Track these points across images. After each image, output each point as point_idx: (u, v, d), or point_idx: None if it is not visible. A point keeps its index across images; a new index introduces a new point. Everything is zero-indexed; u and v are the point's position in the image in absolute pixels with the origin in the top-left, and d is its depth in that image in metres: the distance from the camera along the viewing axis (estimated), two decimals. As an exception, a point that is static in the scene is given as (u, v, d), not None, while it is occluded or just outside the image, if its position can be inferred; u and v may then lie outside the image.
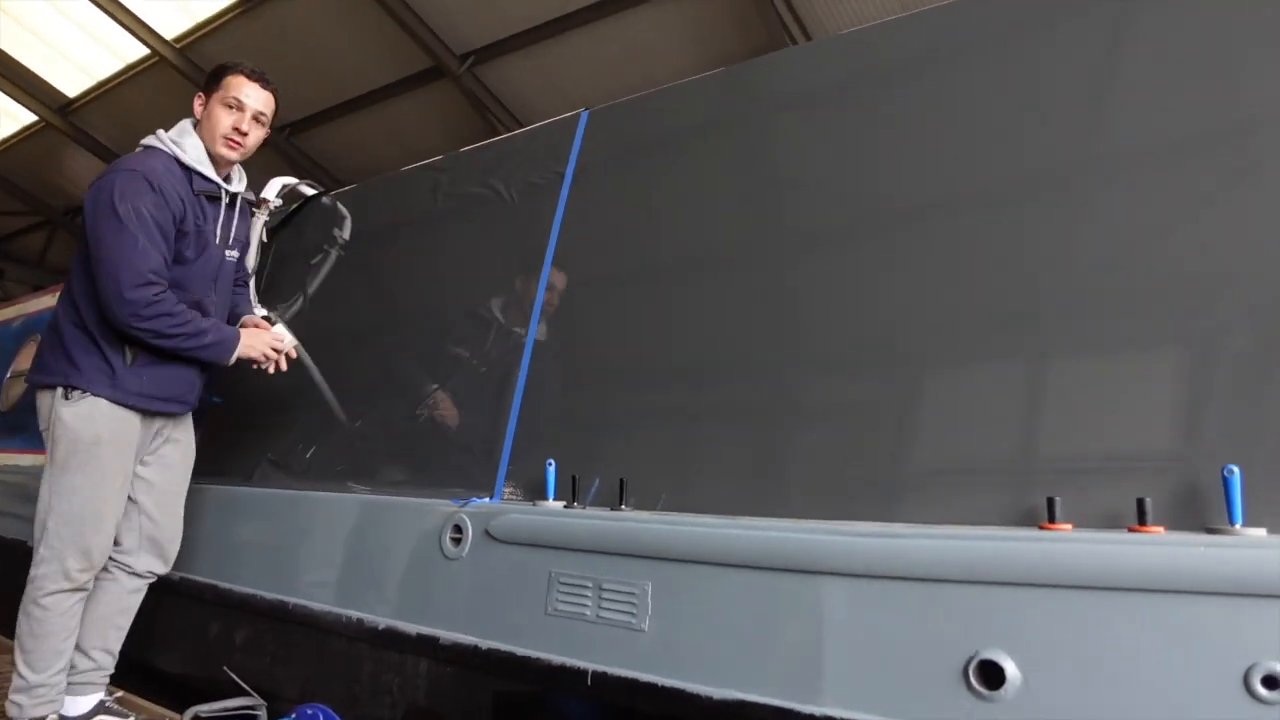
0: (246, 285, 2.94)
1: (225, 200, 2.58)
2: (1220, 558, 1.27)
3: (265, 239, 3.34)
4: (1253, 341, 1.48)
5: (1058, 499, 1.47)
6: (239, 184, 2.65)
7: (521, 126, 3.15)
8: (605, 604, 1.86)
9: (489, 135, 3.30)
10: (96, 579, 2.49)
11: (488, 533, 2.12)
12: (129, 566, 2.55)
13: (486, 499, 2.26)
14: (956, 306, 1.78)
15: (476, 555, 2.14)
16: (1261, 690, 1.20)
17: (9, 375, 4.83)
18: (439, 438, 2.54)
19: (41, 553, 2.39)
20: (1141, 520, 1.40)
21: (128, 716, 2.56)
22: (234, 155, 2.56)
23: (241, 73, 2.54)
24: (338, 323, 3.08)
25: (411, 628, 2.21)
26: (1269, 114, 1.55)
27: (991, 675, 1.39)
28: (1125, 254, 1.63)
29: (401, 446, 2.62)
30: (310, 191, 3.50)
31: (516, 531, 2.08)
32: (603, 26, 9.05)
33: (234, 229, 2.65)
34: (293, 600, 2.54)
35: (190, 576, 2.83)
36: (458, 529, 2.20)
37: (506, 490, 2.27)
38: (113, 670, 2.58)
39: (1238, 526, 1.33)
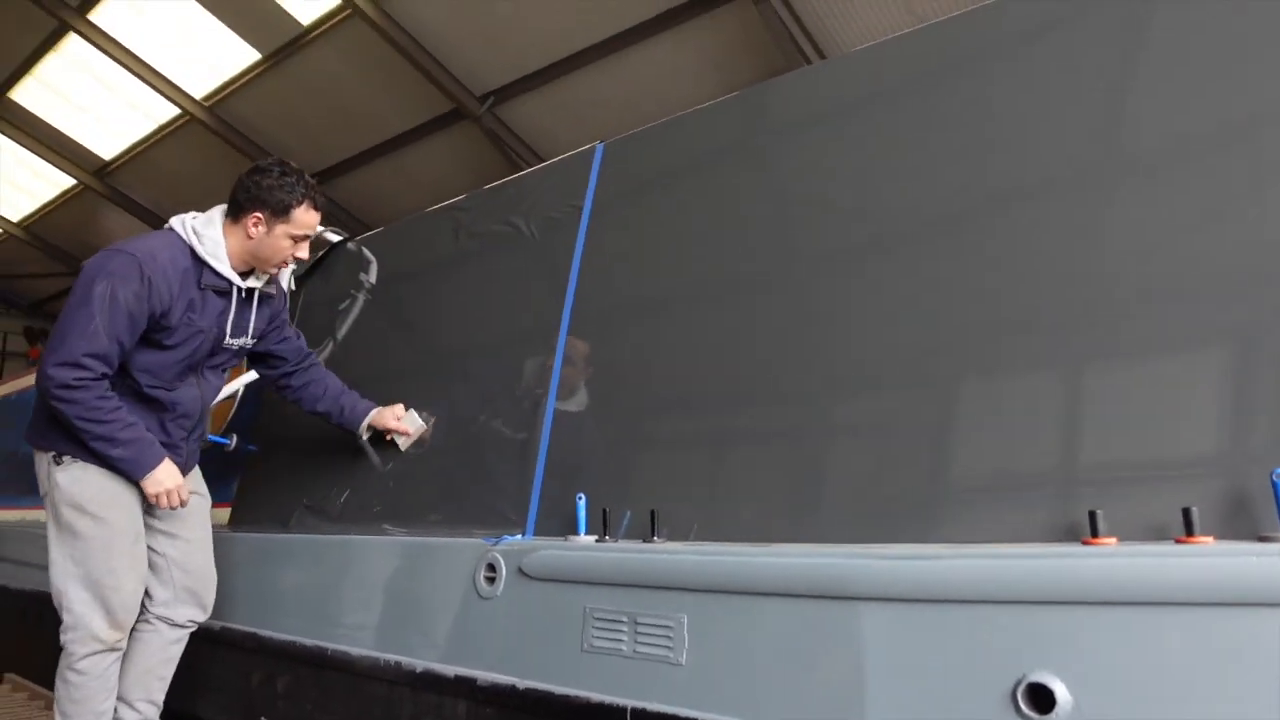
0: (314, 363, 2.89)
1: (241, 295, 2.54)
2: (1274, 566, 1.22)
3: (294, 287, 3.39)
4: (1295, 340, 1.43)
5: (1100, 512, 1.42)
6: (260, 279, 2.58)
7: (543, 162, 3.17)
8: (641, 638, 1.83)
9: (511, 173, 3.33)
10: (137, 631, 2.51)
11: (521, 570, 2.11)
12: (169, 618, 2.58)
13: (519, 536, 2.24)
14: (989, 318, 1.75)
15: (511, 593, 2.13)
16: (1328, 705, 1.14)
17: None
18: (470, 476, 2.54)
19: (66, 620, 2.41)
20: (1189, 531, 1.34)
21: None
22: (278, 271, 2.57)
23: (312, 206, 2.49)
24: (367, 366, 3.11)
25: (449, 669, 2.19)
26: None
27: (1041, 698, 1.34)
28: (1161, 256, 1.59)
29: (433, 486, 2.63)
30: (336, 238, 3.55)
31: (549, 568, 2.06)
32: (619, 59, 9.16)
33: (250, 320, 2.60)
34: (331, 646, 2.54)
35: (230, 625, 2.84)
36: (491, 567, 2.18)
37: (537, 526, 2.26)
38: None
39: (1292, 533, 1.28)
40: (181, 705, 2.58)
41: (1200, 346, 1.52)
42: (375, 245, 3.41)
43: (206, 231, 2.44)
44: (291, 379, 2.83)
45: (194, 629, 2.64)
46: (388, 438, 2.78)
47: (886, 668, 1.51)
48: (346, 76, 10.58)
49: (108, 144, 13.38)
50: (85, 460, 2.39)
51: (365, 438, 2.79)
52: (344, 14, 9.60)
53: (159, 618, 2.57)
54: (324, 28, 9.98)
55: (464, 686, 2.14)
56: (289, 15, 9.94)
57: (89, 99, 12.46)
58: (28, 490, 4.93)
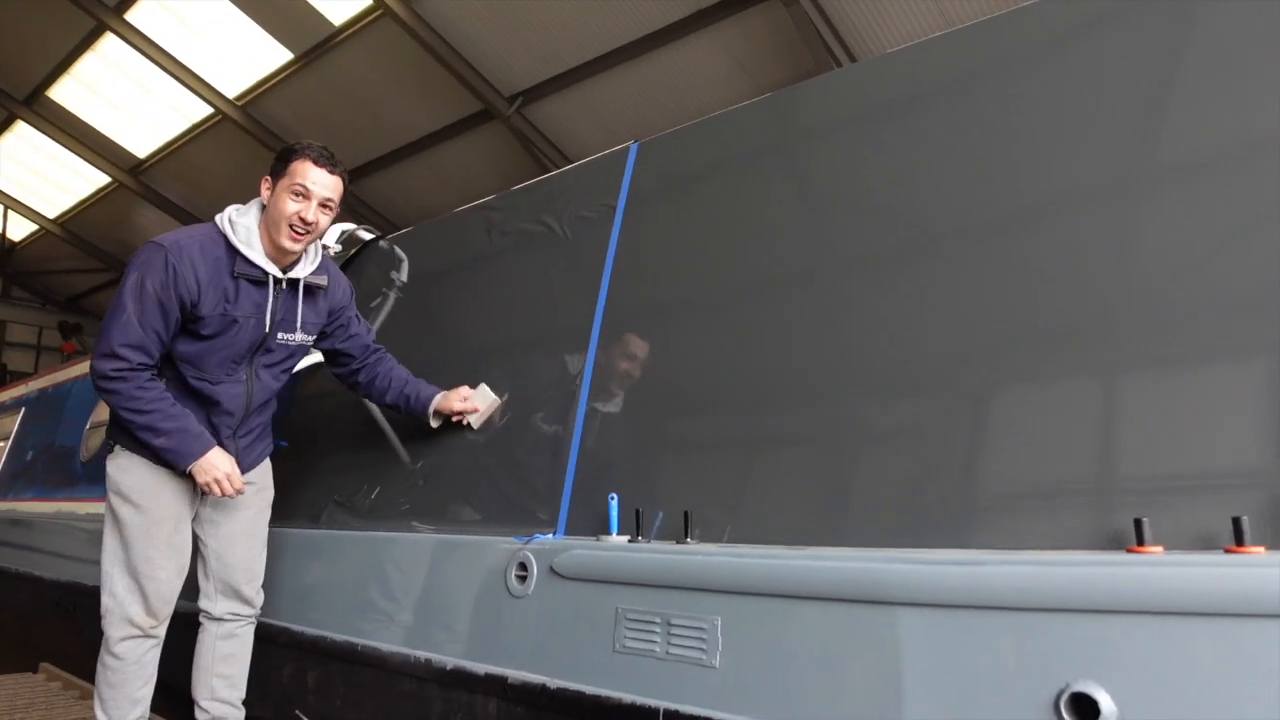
0: (380, 356, 2.81)
1: (280, 284, 2.50)
2: (1330, 578, 1.19)
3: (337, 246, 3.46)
4: (1349, 346, 1.40)
5: (1146, 520, 1.40)
6: (306, 268, 2.55)
7: (570, 163, 3.18)
8: (674, 640, 1.83)
9: (539, 173, 3.35)
10: (198, 630, 2.54)
11: (553, 569, 2.11)
12: (208, 611, 2.61)
13: (550, 535, 2.25)
14: (1031, 321, 1.72)
15: (542, 592, 2.13)
16: (1386, 721, 1.11)
17: (89, 426, 5.00)
18: (501, 475, 2.54)
19: (105, 603, 2.49)
20: (1239, 540, 1.31)
21: None
22: (296, 246, 2.46)
23: (309, 157, 2.43)
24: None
25: (480, 667, 2.20)
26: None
27: (1085, 709, 1.31)
28: (1212, 261, 1.55)
29: (464, 484, 2.63)
30: (368, 236, 3.58)
31: (582, 567, 2.06)
32: (646, 61, 9.17)
33: (298, 314, 2.56)
34: (361, 642, 2.56)
35: (264, 620, 2.87)
36: (523, 566, 2.19)
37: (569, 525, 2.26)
38: (236, 719, 2.60)
39: (1346, 544, 1.25)
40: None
41: (1251, 353, 1.49)
42: (407, 243, 3.43)
43: (241, 220, 2.46)
44: (359, 375, 2.79)
45: (242, 624, 2.64)
46: (458, 420, 2.68)
47: (924, 675, 1.49)
48: (376, 76, 10.68)
49: (142, 142, 13.62)
50: (133, 450, 2.47)
51: (435, 425, 2.70)
52: (375, 14, 9.70)
53: (201, 611, 2.60)
54: (355, 28, 10.09)
55: (494, 685, 2.15)
56: (321, 15, 10.05)
57: (125, 97, 12.68)
58: (63, 483, 5.03)
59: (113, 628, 2.46)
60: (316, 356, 2.95)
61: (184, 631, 2.72)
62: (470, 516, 2.54)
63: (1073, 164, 1.77)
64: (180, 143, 13.20)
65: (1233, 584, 1.26)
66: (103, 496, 4.40)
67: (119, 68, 11.95)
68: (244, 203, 2.53)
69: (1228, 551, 1.32)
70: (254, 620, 2.69)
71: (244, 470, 2.61)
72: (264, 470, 2.77)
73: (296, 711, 2.68)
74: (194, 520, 2.60)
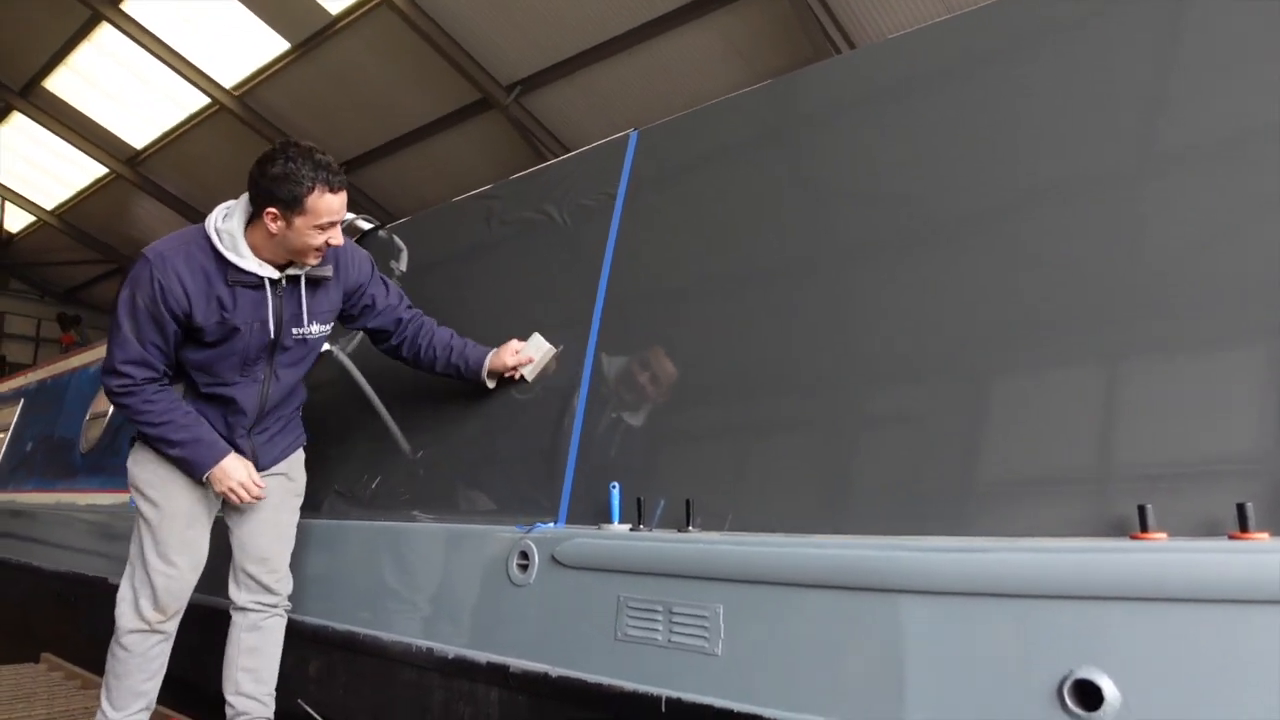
0: (419, 326, 2.69)
1: (279, 284, 2.40)
2: (1335, 564, 1.19)
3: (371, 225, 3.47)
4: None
5: (1149, 506, 1.39)
6: (301, 267, 2.42)
7: (568, 152, 3.16)
8: (676, 628, 1.83)
9: (537, 163, 3.33)
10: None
11: (554, 558, 2.11)
12: (234, 602, 2.60)
13: (552, 524, 2.24)
14: (1033, 307, 1.71)
15: (544, 581, 2.13)
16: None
17: (88, 417, 5.00)
18: (502, 463, 2.54)
19: (121, 591, 2.49)
20: (1243, 527, 1.31)
21: None
22: (317, 261, 2.40)
23: (325, 189, 2.26)
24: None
25: (482, 656, 2.20)
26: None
27: (1089, 695, 1.31)
28: (1216, 246, 1.54)
29: (465, 473, 2.63)
30: (366, 226, 3.56)
31: (583, 556, 2.06)
32: (645, 49, 9.13)
33: (307, 307, 2.47)
34: (363, 631, 2.56)
35: (264, 610, 2.87)
36: (524, 555, 2.18)
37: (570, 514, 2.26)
38: (262, 715, 2.56)
39: (1351, 530, 1.25)
40: (217, 689, 2.60)
41: (1255, 339, 1.48)
42: (406, 233, 3.41)
43: (225, 226, 2.34)
44: (402, 350, 2.70)
45: (267, 615, 2.60)
46: (512, 376, 2.58)
47: (927, 662, 1.49)
48: (374, 66, 10.64)
49: (139, 132, 13.57)
50: (149, 445, 2.48)
51: (491, 386, 2.60)
52: (373, 3, 9.65)
53: (229, 601, 2.60)
54: (352, 17, 10.03)
55: (496, 674, 2.15)
56: (318, 4, 10.00)
57: (121, 88, 12.63)
58: (63, 474, 5.03)
59: (122, 618, 2.46)
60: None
61: (201, 626, 2.72)
62: (471, 505, 2.54)
63: (1074, 150, 1.76)
64: (177, 133, 13.15)
65: (1237, 571, 1.25)
66: (101, 488, 4.43)
67: (115, 58, 11.89)
68: (238, 196, 2.43)
69: (1232, 538, 1.32)
70: (282, 612, 2.64)
71: (266, 466, 2.59)
72: (292, 462, 2.73)
73: (299, 701, 2.68)
74: (221, 509, 2.59)
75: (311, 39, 10.51)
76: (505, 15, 9.30)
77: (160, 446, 2.41)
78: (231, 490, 2.44)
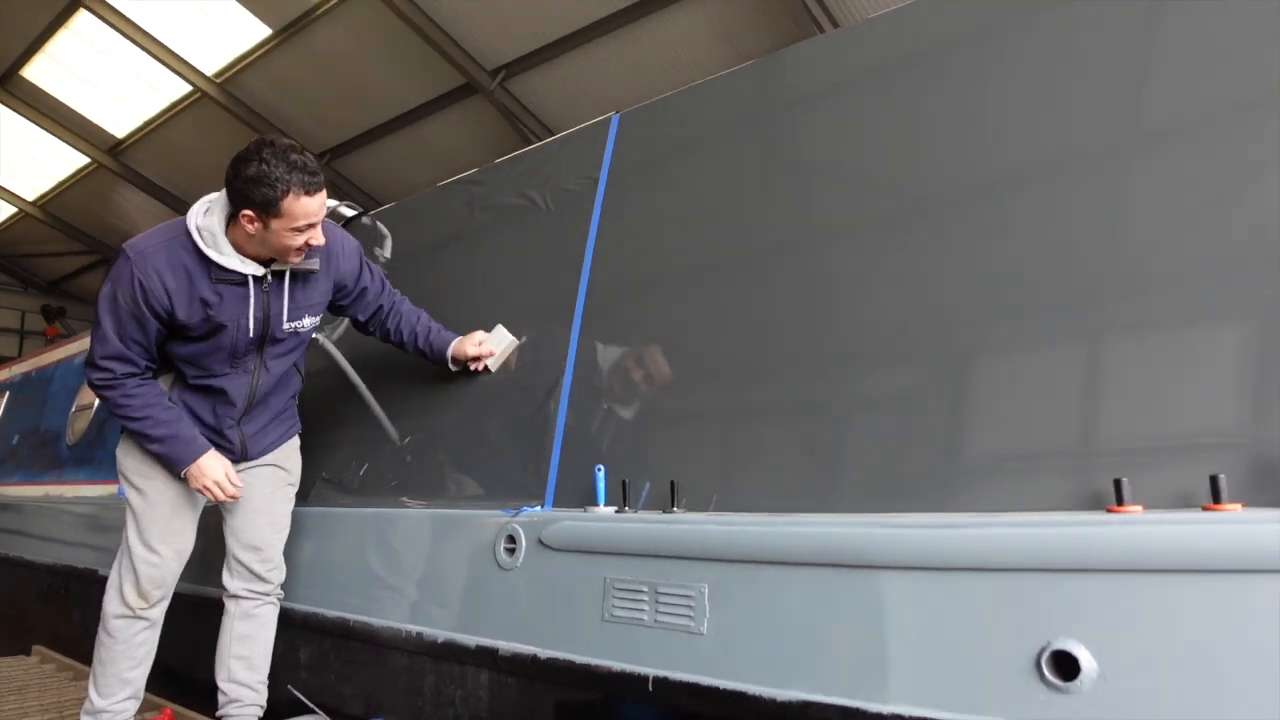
0: (393, 308, 2.74)
1: (263, 279, 2.36)
2: (1305, 533, 1.21)
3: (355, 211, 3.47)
4: (1326, 305, 1.41)
5: (1125, 480, 1.41)
6: (285, 264, 2.37)
7: (554, 135, 3.15)
8: (662, 608, 1.84)
9: (523, 147, 3.32)
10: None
11: (541, 541, 2.12)
12: (226, 589, 2.61)
13: (538, 507, 2.25)
14: (1010, 288, 1.73)
15: (531, 564, 2.14)
16: (1358, 671, 1.13)
17: (74, 409, 4.98)
18: (488, 449, 2.55)
19: (110, 577, 2.51)
20: (1216, 498, 1.33)
21: None
22: (299, 259, 2.36)
23: (300, 192, 2.19)
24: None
25: (471, 639, 2.21)
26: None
27: (1066, 666, 1.34)
28: (1191, 225, 1.56)
29: (452, 459, 2.64)
30: (350, 213, 3.55)
31: (569, 539, 2.07)
32: (630, 32, 9.08)
33: (285, 303, 2.43)
34: (353, 617, 2.57)
35: (254, 598, 2.87)
36: (511, 539, 2.20)
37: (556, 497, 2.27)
38: (254, 703, 2.57)
39: (1322, 500, 1.27)
40: (207, 676, 2.61)
41: (1227, 315, 1.50)
42: (390, 219, 3.40)
43: (205, 223, 2.29)
44: (374, 329, 2.78)
45: (259, 603, 2.61)
46: (475, 366, 2.64)
47: (909, 636, 1.51)
48: (357, 51, 10.53)
49: (120, 121, 13.39)
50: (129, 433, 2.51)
51: (454, 370, 2.68)
52: (354, -13, 9.53)
53: (221, 588, 2.61)
54: (334, 2, 9.91)
55: (486, 656, 2.16)
56: (299, -10, 9.88)
57: (101, 76, 12.45)
58: (50, 466, 5.01)
59: (109, 603, 2.48)
60: None
61: (193, 615, 2.72)
62: (459, 491, 2.55)
63: (1056, 130, 1.77)
64: (159, 122, 12.99)
65: (1211, 541, 1.28)
66: (89, 480, 4.42)
67: (94, 46, 11.72)
68: (220, 187, 2.35)
69: (1205, 510, 1.34)
70: (274, 600, 2.65)
71: (256, 456, 2.61)
72: (285, 451, 2.73)
73: (289, 687, 2.69)
74: None
75: (293, 25, 10.38)
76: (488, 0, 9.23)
77: (142, 441, 2.43)
78: (206, 488, 2.44)
